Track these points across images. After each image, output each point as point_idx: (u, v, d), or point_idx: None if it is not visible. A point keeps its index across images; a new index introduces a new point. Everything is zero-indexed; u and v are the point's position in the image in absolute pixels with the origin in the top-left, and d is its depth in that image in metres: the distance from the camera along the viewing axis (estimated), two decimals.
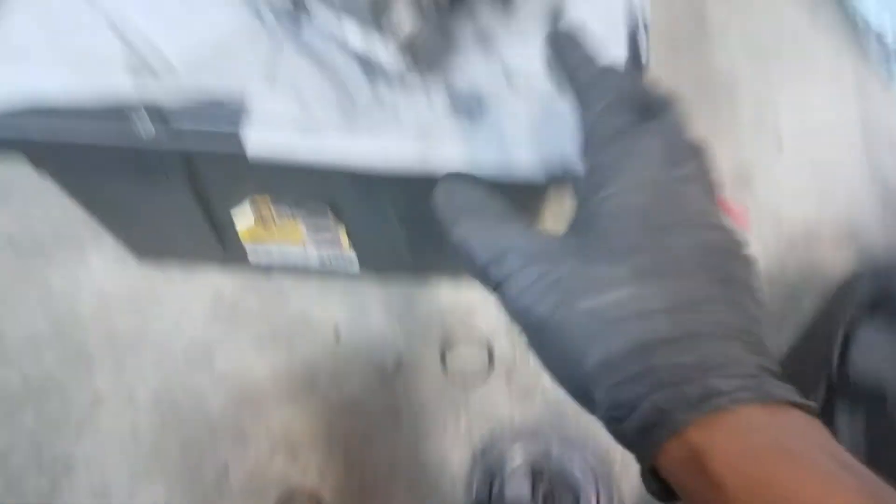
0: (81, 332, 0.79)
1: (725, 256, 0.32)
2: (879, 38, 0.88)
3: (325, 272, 0.78)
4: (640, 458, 0.31)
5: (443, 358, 0.80)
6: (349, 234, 0.67)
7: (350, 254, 0.72)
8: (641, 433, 0.30)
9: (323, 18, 0.48)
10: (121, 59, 0.52)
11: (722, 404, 0.28)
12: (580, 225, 0.34)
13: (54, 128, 0.49)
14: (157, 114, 0.49)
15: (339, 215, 0.63)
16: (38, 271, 0.81)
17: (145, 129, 0.49)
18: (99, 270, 0.81)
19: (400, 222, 0.63)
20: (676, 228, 0.31)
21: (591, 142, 0.35)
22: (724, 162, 0.87)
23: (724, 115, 0.89)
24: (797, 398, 0.29)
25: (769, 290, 0.81)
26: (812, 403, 0.29)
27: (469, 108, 0.49)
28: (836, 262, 0.83)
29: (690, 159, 0.34)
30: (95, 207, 0.67)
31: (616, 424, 0.31)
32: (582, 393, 0.32)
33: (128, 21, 0.54)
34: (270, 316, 0.81)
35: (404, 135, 0.48)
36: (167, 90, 0.50)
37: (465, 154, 0.48)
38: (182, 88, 0.50)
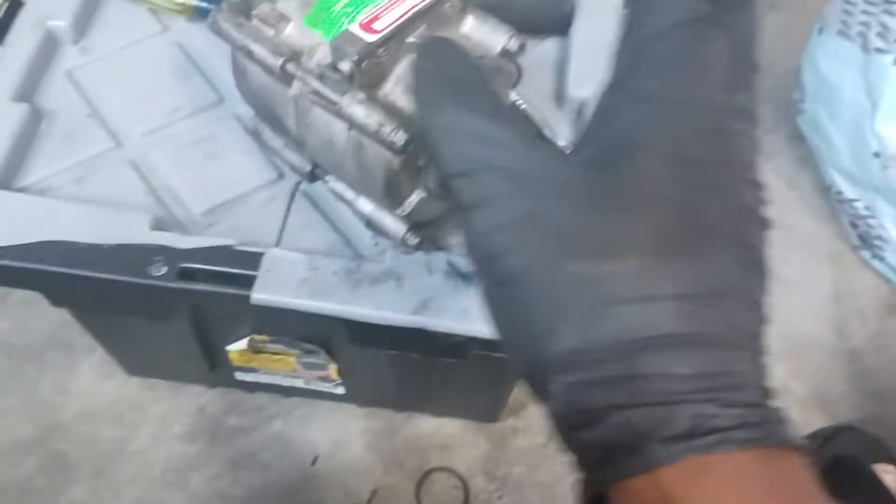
0: (64, 439, 0.80)
1: (755, 227, 0.25)
2: (852, 205, 0.93)
3: (309, 393, 0.80)
4: (592, 482, 0.25)
5: (418, 491, 0.81)
6: (339, 370, 0.70)
7: (337, 383, 0.75)
8: (603, 453, 0.24)
9: (338, 188, 0.52)
10: (142, 204, 0.56)
11: (714, 444, 0.22)
12: (597, 148, 0.25)
13: (70, 262, 0.51)
14: (172, 256, 0.52)
15: (333, 355, 0.66)
16: (29, 375, 0.83)
17: (158, 269, 0.52)
18: (87, 379, 0.83)
19: (390, 366, 0.66)
20: (718, 182, 0.24)
21: (639, 31, 0.26)
22: None
23: None
24: (798, 440, 0.24)
25: None
26: (810, 443, 0.24)
27: (466, 273, 0.53)
28: (806, 421, 0.86)
29: (752, 83, 0.26)
30: (96, 329, 0.69)
31: (570, 430, 0.25)
32: (537, 377, 0.25)
33: (153, 168, 0.57)
34: (250, 435, 0.82)
35: (404, 294, 0.51)
36: (184, 236, 0.53)
37: (458, 313, 0.51)
38: (198, 235, 0.53)
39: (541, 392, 0.25)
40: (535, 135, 0.59)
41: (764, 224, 0.25)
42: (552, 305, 0.24)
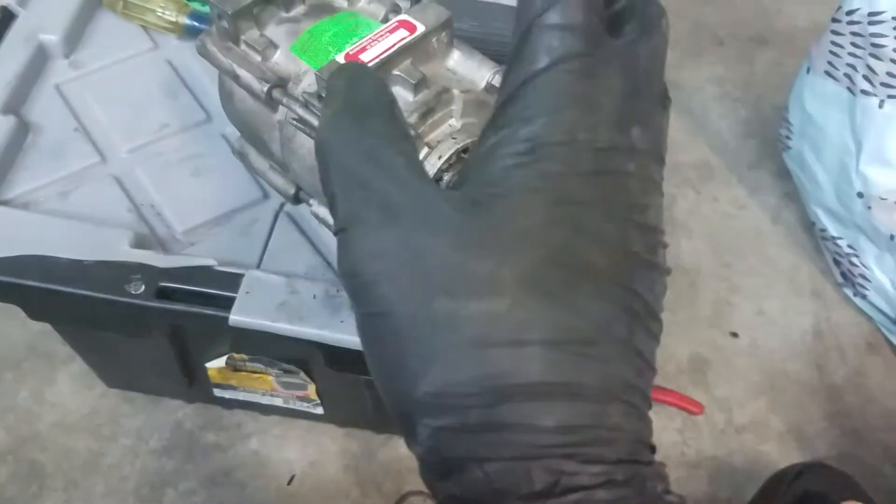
0: (39, 449, 0.80)
1: (642, 273, 0.24)
2: (836, 242, 0.94)
3: (288, 412, 0.80)
4: None
5: None
6: (318, 391, 0.70)
7: (316, 403, 0.74)
8: None
9: (321, 212, 0.52)
10: (125, 220, 0.56)
11: None
12: (475, 188, 0.24)
13: (50, 277, 0.51)
14: (151, 274, 0.52)
15: (311, 375, 0.66)
16: (7, 384, 0.82)
17: (136, 287, 0.51)
18: (65, 390, 0.82)
19: (369, 388, 0.66)
20: (598, 225, 0.23)
21: (519, 68, 0.24)
22: (680, 354, 0.91)
23: (684, 310, 0.94)
24: (669, 497, 0.23)
25: (716, 477, 0.84)
26: (682, 499, 0.23)
27: None
28: (782, 455, 0.86)
29: (651, 117, 0.25)
30: (75, 341, 0.69)
31: (433, 478, 0.24)
32: (404, 419, 0.24)
33: (137, 185, 0.58)
34: (227, 452, 0.81)
35: None
36: (164, 255, 0.53)
37: None
38: (179, 254, 0.53)
39: (409, 435, 0.24)
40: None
41: (654, 270, 0.24)
42: (421, 343, 0.22)
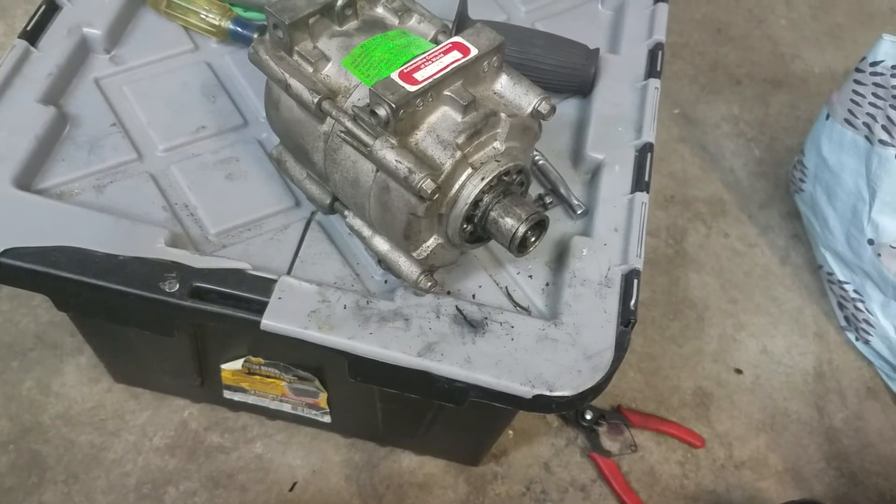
0: (41, 440, 0.79)
1: None
2: (842, 287, 0.95)
3: (294, 418, 0.80)
4: None
5: None
6: (329, 400, 0.70)
7: (325, 412, 0.75)
8: None
9: (356, 224, 0.53)
10: (159, 218, 0.56)
11: None
12: None
13: (84, 269, 0.51)
14: (186, 274, 0.52)
15: (326, 385, 0.66)
16: (12, 372, 0.82)
17: (171, 286, 0.52)
18: (71, 382, 0.82)
19: (382, 402, 0.66)
20: None
21: None
22: (685, 386, 0.92)
23: (691, 343, 0.95)
24: None
25: None
26: None
27: (472, 321, 0.53)
28: (779, 493, 0.86)
29: None
30: (92, 334, 0.69)
31: None
32: None
33: (172, 184, 0.58)
34: (230, 454, 0.81)
35: (410, 335, 0.52)
36: (199, 255, 0.53)
37: (461, 359, 0.52)
38: (212, 256, 0.54)
39: None
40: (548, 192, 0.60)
41: None
42: None
